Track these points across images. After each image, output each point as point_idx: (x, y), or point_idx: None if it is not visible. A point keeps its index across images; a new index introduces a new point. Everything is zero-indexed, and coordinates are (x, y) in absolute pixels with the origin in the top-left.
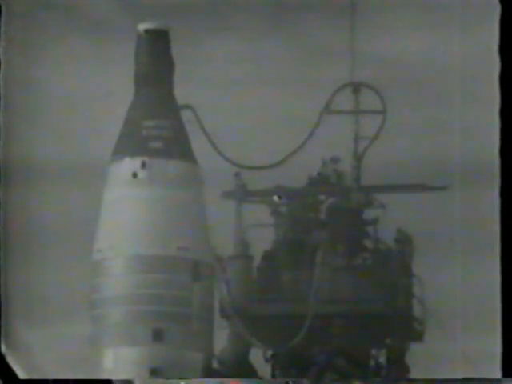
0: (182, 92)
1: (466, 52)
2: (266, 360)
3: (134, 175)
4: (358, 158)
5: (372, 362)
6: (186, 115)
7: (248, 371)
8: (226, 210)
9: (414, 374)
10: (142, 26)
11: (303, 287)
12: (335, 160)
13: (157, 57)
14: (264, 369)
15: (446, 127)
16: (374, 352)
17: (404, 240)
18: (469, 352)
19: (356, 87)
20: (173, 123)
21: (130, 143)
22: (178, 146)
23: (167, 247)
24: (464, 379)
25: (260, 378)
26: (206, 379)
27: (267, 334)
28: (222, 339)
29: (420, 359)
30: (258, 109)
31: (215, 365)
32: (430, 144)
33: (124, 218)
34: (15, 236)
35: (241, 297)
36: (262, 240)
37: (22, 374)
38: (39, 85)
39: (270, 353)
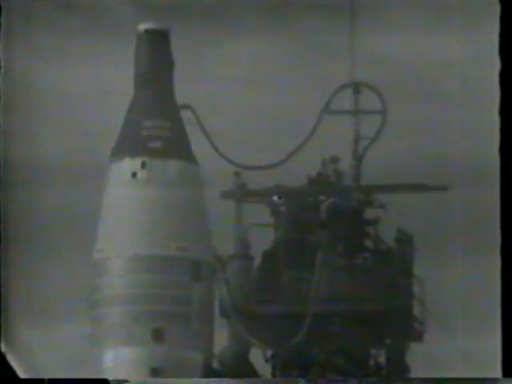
0: (182, 92)
1: (466, 52)
2: (266, 360)
3: (134, 175)
4: (358, 157)
5: (372, 362)
6: (186, 115)
7: (248, 371)
8: (225, 210)
9: (414, 373)
10: (142, 26)
11: (303, 287)
12: (335, 160)
13: (157, 57)
14: (264, 369)
15: (445, 127)
16: (373, 352)
17: (404, 240)
18: (469, 352)
19: (356, 87)
20: (173, 123)
21: (129, 143)
22: (177, 146)
23: (167, 247)
24: (464, 379)
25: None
26: (206, 379)
27: (267, 334)
28: (221, 339)
29: (420, 359)
30: (258, 109)
31: (215, 365)
32: (430, 144)
33: (124, 217)
34: (15, 236)
35: (241, 297)
36: (262, 240)
37: (21, 374)
38: (40, 84)
39: (270, 353)
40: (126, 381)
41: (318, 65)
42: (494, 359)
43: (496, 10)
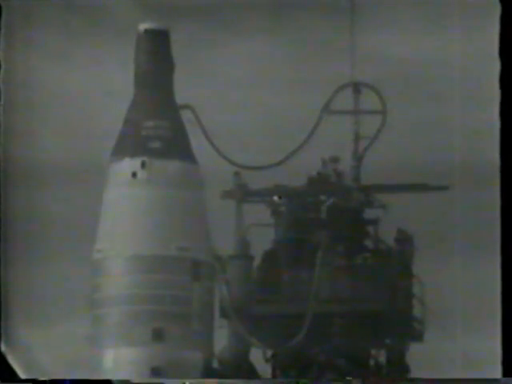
0: (182, 92)
1: (466, 52)
2: (266, 360)
3: (134, 175)
4: (358, 157)
5: (372, 362)
6: (186, 115)
7: (248, 371)
8: (225, 210)
9: (414, 373)
10: (142, 26)
11: (303, 287)
12: (335, 160)
13: (157, 57)
14: (264, 369)
15: (445, 127)
16: (373, 352)
17: (404, 240)
18: (469, 352)
19: (356, 87)
20: (173, 123)
21: (129, 143)
22: (177, 146)
23: (167, 247)
24: (464, 379)
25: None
26: (206, 379)
27: (267, 334)
28: (222, 339)
29: (420, 359)
30: (258, 109)
31: (215, 365)
32: (430, 144)
33: (124, 217)
34: (15, 236)
35: (241, 297)
36: (262, 240)
37: (21, 374)
38: (40, 84)
39: (270, 353)
40: (129, 381)
41: (318, 65)
42: (494, 359)
43: (496, 10)
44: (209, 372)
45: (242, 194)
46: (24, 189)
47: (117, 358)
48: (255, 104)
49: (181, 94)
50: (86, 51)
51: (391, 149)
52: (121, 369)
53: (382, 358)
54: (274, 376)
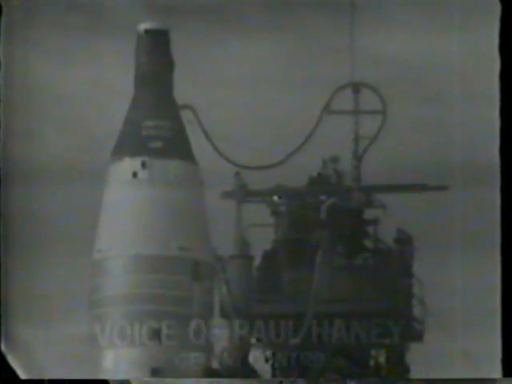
0: (182, 92)
1: (466, 52)
2: (266, 360)
3: (134, 175)
4: (358, 157)
5: (372, 362)
6: (186, 115)
7: (248, 371)
8: (226, 210)
9: (414, 374)
10: (142, 26)
11: (303, 287)
12: (335, 160)
13: (157, 57)
14: (264, 369)
15: (446, 127)
16: (373, 352)
17: (404, 240)
18: (469, 352)
19: (356, 87)
20: (173, 123)
21: (130, 143)
22: (177, 146)
23: (167, 247)
24: (464, 379)
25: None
26: (206, 379)
27: (267, 334)
28: (221, 339)
29: (420, 359)
30: (258, 109)
31: (215, 365)
32: (430, 144)
33: (124, 217)
34: (15, 236)
35: (241, 297)
36: (262, 240)
37: (22, 374)
38: (40, 84)
39: (269, 353)
40: (128, 381)
41: (318, 65)
42: (494, 359)
43: (496, 9)
44: (209, 372)
45: (242, 194)
46: (24, 189)
47: (117, 358)
48: (255, 104)
49: (181, 94)
50: (86, 51)
51: (391, 149)
52: (120, 369)
53: (382, 358)
54: (273, 376)
